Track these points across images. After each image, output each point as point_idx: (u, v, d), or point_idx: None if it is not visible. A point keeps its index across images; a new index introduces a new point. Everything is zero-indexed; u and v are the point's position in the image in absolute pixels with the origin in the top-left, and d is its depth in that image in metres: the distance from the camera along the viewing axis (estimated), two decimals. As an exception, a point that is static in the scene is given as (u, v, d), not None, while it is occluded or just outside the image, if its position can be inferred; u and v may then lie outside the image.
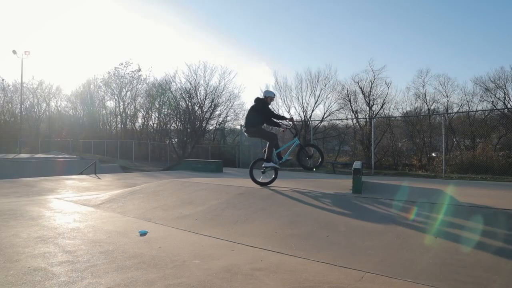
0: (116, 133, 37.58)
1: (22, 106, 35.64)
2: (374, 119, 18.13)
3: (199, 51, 63.57)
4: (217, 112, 30.94)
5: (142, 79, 36.41)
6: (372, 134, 15.35)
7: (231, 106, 30.67)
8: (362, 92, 24.02)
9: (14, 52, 29.51)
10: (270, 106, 6.36)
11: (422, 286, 2.49)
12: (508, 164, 12.78)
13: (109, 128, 39.55)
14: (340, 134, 23.60)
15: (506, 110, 19.87)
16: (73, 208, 5.68)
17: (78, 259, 3.05)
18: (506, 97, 22.08)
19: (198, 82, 30.78)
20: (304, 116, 25.61)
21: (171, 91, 32.10)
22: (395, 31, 53.65)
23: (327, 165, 15.72)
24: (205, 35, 63.04)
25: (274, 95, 6.45)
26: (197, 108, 30.91)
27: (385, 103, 23.78)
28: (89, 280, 2.56)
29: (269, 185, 6.14)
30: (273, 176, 6.34)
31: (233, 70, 60.51)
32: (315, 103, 25.74)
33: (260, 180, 6.28)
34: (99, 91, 39.02)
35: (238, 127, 25.71)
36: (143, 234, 4.00)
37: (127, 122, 37.84)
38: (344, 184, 6.64)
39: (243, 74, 58.99)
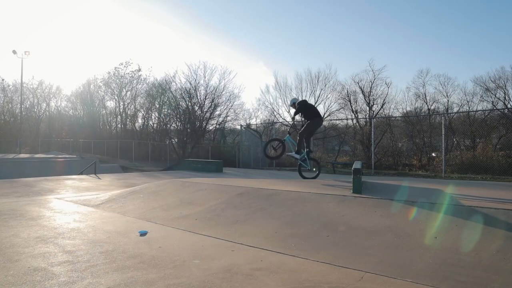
0: (116, 133, 37.55)
1: (22, 106, 35.64)
2: (374, 119, 18.13)
3: (198, 51, 63.58)
4: (217, 112, 30.93)
5: (142, 79, 36.42)
6: (372, 134, 15.34)
7: (231, 106, 30.65)
8: (362, 92, 24.02)
9: (14, 52, 29.51)
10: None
11: (422, 286, 2.49)
12: (508, 164, 12.77)
13: (109, 128, 39.53)
14: (340, 134, 23.58)
15: (506, 110, 19.86)
16: (73, 208, 5.68)
17: (78, 259, 3.05)
18: (506, 97, 22.10)
19: (198, 82, 30.78)
20: (304, 116, 25.61)
21: (171, 91, 32.11)
22: (395, 31, 53.69)
23: (327, 165, 15.72)
24: (205, 35, 63.09)
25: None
26: (197, 108, 30.90)
27: (385, 103, 23.79)
28: (89, 280, 2.56)
29: (269, 186, 6.14)
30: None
31: (233, 70, 60.37)
32: (315, 103, 25.74)
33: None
34: (99, 91, 39.02)
35: (238, 127, 25.71)
36: (143, 234, 4.00)
37: (127, 122, 37.84)
38: (344, 184, 6.64)
39: (242, 74, 59.03)
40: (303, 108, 7.23)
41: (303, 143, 7.15)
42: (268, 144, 7.69)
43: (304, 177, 7.61)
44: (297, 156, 7.17)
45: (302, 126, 7.49)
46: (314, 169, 7.67)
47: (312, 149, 7.85)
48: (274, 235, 3.89)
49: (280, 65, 64.14)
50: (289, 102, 8.43)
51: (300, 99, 7.75)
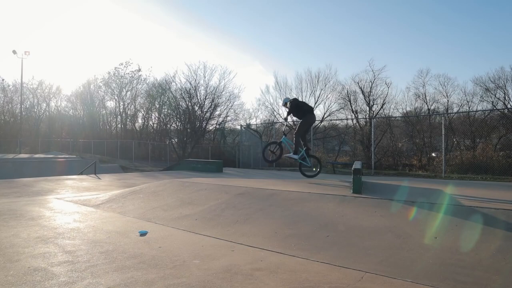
0: (116, 133, 37.63)
1: (22, 106, 35.64)
2: (374, 119, 18.12)
3: (198, 51, 63.60)
4: (217, 112, 30.98)
5: (142, 79, 36.51)
6: (372, 134, 15.33)
7: (231, 106, 30.72)
8: (362, 92, 24.05)
9: (14, 52, 29.53)
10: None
11: (422, 286, 2.49)
12: (508, 164, 12.76)
13: (109, 128, 39.59)
14: (340, 134, 23.61)
15: (506, 110, 19.87)
16: (73, 208, 5.68)
17: (78, 259, 3.05)
18: (506, 97, 22.11)
19: (198, 82, 30.83)
20: (304, 116, 25.60)
21: (171, 91, 32.16)
22: (395, 31, 53.76)
23: (327, 166, 15.72)
24: (205, 35, 63.14)
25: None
26: (197, 108, 30.94)
27: (385, 103, 23.82)
28: (89, 280, 2.56)
29: (269, 186, 6.13)
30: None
31: (232, 70, 60.42)
32: (315, 103, 25.82)
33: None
34: (99, 91, 39.09)
35: (238, 127, 25.70)
36: (143, 234, 4.00)
37: (127, 122, 37.88)
38: (344, 184, 6.64)
39: (242, 75, 59.12)
40: (294, 107, 7.25)
41: (300, 143, 7.23)
42: (266, 148, 7.81)
43: (306, 175, 7.70)
44: (295, 157, 7.19)
45: (295, 125, 7.59)
46: (314, 169, 7.79)
47: (311, 147, 7.93)
48: (274, 235, 3.89)
49: (280, 65, 64.29)
50: (281, 102, 8.44)
51: (291, 97, 7.84)
